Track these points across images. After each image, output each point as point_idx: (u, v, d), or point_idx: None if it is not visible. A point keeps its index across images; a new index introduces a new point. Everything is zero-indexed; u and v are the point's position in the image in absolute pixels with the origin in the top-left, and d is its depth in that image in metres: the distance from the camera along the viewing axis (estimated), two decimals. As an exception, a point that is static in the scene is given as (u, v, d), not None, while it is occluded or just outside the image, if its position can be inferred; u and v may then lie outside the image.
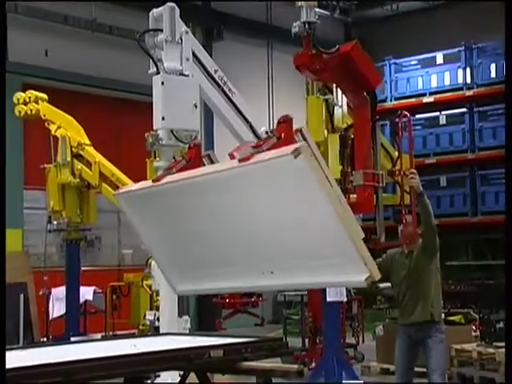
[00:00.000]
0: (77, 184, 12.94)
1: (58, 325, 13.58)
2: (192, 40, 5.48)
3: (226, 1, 18.71)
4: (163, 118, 5.06)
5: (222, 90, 5.65)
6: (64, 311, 13.56)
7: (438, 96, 16.81)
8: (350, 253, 3.95)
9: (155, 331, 9.04)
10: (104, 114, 16.97)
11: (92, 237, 14.20)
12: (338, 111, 9.85)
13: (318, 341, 11.26)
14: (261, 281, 4.58)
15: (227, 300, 16.25)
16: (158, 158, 6.00)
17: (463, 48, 16.58)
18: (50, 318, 13.68)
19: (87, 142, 13.07)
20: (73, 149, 12.91)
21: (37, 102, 12.95)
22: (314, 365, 10.76)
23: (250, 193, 4.24)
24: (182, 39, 5.34)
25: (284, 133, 4.28)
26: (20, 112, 12.97)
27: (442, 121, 16.89)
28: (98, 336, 12.57)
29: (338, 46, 6.86)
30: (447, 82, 16.79)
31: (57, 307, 13.64)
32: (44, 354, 4.99)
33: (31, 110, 12.91)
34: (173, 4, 5.44)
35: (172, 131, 5.09)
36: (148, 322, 10.07)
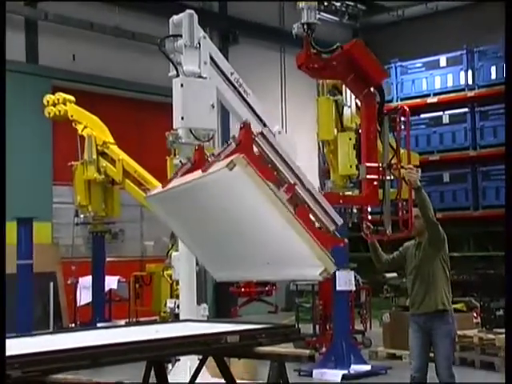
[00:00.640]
0: (102, 180, 12.99)
1: (85, 311, 13.64)
2: (209, 44, 5.47)
3: (240, 0, 18.66)
4: (182, 118, 5.06)
5: (238, 91, 5.63)
6: (90, 299, 13.62)
7: (441, 97, 16.74)
8: (304, 251, 4.18)
9: (175, 318, 9.05)
10: (127, 114, 16.99)
11: (116, 229, 14.23)
12: (347, 111, 9.81)
13: (328, 327, 11.24)
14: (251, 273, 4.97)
15: (243, 289, 16.27)
16: (177, 156, 6.00)
17: (465, 51, 16.50)
18: (78, 305, 13.74)
19: (111, 140, 13.10)
20: (98, 147, 12.95)
21: (65, 104, 12.99)
22: (324, 350, 10.74)
23: (216, 199, 4.42)
24: (200, 44, 5.33)
25: (243, 138, 4.42)
26: (49, 113, 13.02)
27: (445, 120, 16.82)
28: (122, 322, 12.63)
29: (338, 45, 6.78)
30: (450, 83, 16.71)
31: (84, 295, 13.70)
32: (72, 338, 5.00)
33: (60, 111, 12.96)
34: (191, 11, 5.43)
35: (191, 130, 5.09)
36: (168, 310, 10.08)
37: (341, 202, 6.02)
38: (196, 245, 5.24)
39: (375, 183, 7.15)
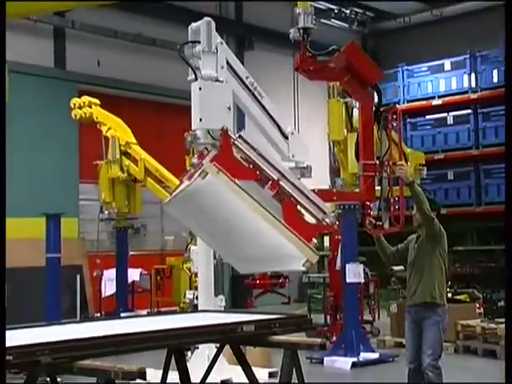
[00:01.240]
0: (125, 178, 13.03)
1: (109, 302, 13.69)
2: (226, 50, 5.44)
3: (256, 0, 18.63)
4: (200, 120, 5.04)
5: (253, 94, 5.60)
6: (114, 290, 13.67)
7: (445, 99, 16.67)
8: (286, 246, 4.40)
9: (194, 308, 9.07)
10: (148, 116, 17.02)
11: (138, 225, 14.26)
12: (356, 113, 9.78)
13: (338, 317, 11.22)
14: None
15: (258, 281, 16.26)
16: (195, 155, 6.00)
17: (468, 56, 16.43)
18: (103, 296, 13.79)
19: (134, 141, 13.13)
20: (121, 147, 12.99)
21: (90, 107, 13.04)
22: (334, 338, 10.72)
23: (207, 203, 4.51)
24: (217, 49, 5.30)
25: (222, 144, 4.52)
26: (76, 115, 13.07)
27: (450, 121, 16.75)
28: (144, 312, 12.67)
29: (333, 47, 6.72)
30: (454, 86, 16.64)
31: (108, 287, 13.76)
32: (97, 327, 5.02)
33: (85, 114, 13.01)
34: (209, 18, 5.41)
35: (208, 131, 5.07)
36: (188, 301, 10.11)
37: (334, 198, 5.94)
38: (215, 242, 5.27)
39: (370, 180, 7.04)
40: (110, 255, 13.99)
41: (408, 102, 17.31)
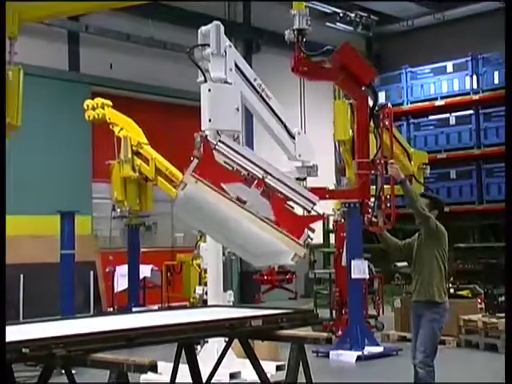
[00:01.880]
0: (136, 177, 13.03)
1: (121, 297, 13.71)
2: (234, 53, 5.45)
3: None
4: (210, 120, 5.05)
5: (260, 95, 5.60)
6: (126, 286, 13.68)
7: (448, 100, 16.64)
8: (274, 243, 4.57)
9: (203, 303, 9.07)
10: (159, 117, 17.03)
11: (149, 222, 14.27)
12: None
13: (343, 312, 11.20)
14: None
15: (265, 277, 16.27)
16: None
17: (470, 58, 16.38)
18: (115, 291, 13.81)
19: (145, 141, 13.13)
20: (133, 147, 12.99)
21: (103, 108, 13.05)
22: (340, 333, 10.71)
23: (201, 206, 4.62)
24: (226, 52, 5.31)
25: (203, 151, 4.59)
26: (89, 116, 13.08)
27: (452, 121, 16.72)
28: (155, 307, 12.69)
29: (328, 48, 6.71)
30: (456, 87, 16.60)
31: (120, 282, 13.77)
32: (110, 321, 5.03)
33: (98, 115, 13.01)
34: (218, 22, 5.41)
35: (217, 131, 5.07)
36: (197, 296, 10.11)
37: (327, 196, 5.91)
38: (225, 240, 5.30)
39: (364, 178, 6.99)
40: (122, 252, 14.00)
41: (411, 102, 17.28)
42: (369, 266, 10.40)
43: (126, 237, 14.09)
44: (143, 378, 7.38)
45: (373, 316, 12.06)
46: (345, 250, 10.57)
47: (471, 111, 16.39)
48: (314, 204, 4.88)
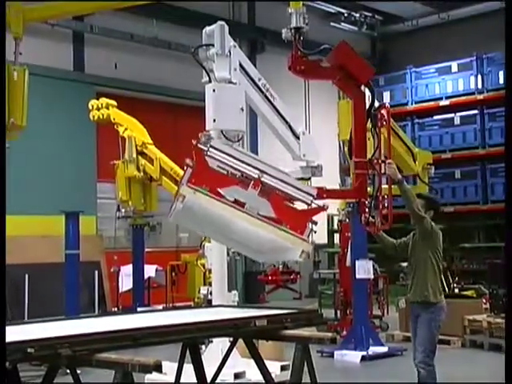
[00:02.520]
0: (141, 177, 13.04)
1: (126, 297, 13.72)
2: (239, 53, 5.44)
3: None
4: (214, 120, 5.05)
5: (265, 95, 5.60)
6: (131, 286, 13.69)
7: (452, 100, 16.61)
8: (281, 242, 4.66)
9: (208, 303, 9.07)
10: (163, 117, 17.05)
11: (154, 222, 14.27)
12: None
13: (348, 312, 11.20)
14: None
15: (270, 277, 16.26)
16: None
17: (475, 58, 16.36)
18: (120, 291, 13.82)
19: (150, 141, 13.14)
20: (138, 147, 13.00)
21: (107, 108, 13.06)
22: (345, 333, 10.70)
23: (201, 213, 4.64)
24: (230, 52, 5.30)
25: (196, 160, 4.57)
26: (94, 117, 13.09)
27: (457, 121, 16.69)
28: (160, 307, 12.70)
29: (324, 46, 6.69)
30: (461, 87, 16.57)
31: (125, 282, 13.79)
32: (115, 321, 5.03)
33: (103, 115, 13.02)
34: (223, 22, 5.41)
35: (222, 131, 5.07)
36: (202, 296, 10.12)
37: (324, 196, 5.88)
38: (230, 242, 5.32)
39: (362, 178, 6.97)
40: (126, 252, 14.02)
41: (416, 102, 17.26)
42: (373, 266, 10.40)
43: (131, 237, 14.11)
44: (148, 378, 7.39)
45: (377, 316, 12.05)
46: (349, 250, 10.57)
47: (476, 111, 16.36)
48: (313, 196, 4.91)
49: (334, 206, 11.89)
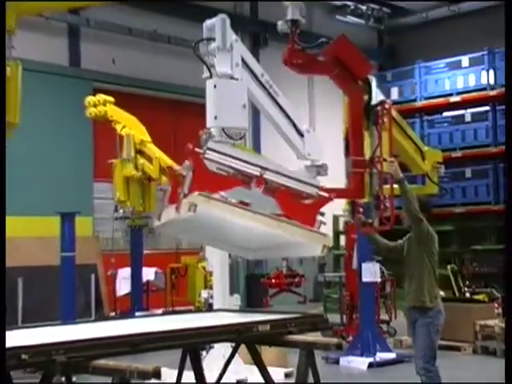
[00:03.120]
0: (139, 177, 13.06)
1: (124, 301, 13.74)
2: (241, 47, 5.44)
3: (271, 0, 18.62)
4: (215, 117, 5.04)
5: (268, 91, 5.59)
6: (129, 289, 13.71)
7: (463, 96, 16.56)
8: (303, 241, 4.68)
9: (209, 308, 9.08)
10: (163, 114, 17.07)
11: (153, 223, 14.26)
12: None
13: (354, 317, 11.20)
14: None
15: (273, 280, 16.27)
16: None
17: (486, 52, 16.31)
18: (117, 295, 13.84)
19: (149, 139, 13.16)
20: (136, 146, 13.02)
21: (105, 105, 13.07)
22: (351, 338, 10.70)
23: (208, 221, 4.68)
24: (232, 47, 5.30)
25: (194, 164, 4.48)
26: (90, 114, 13.11)
27: (468, 118, 16.65)
28: (159, 311, 12.69)
29: (322, 40, 6.66)
30: (472, 83, 16.53)
31: (123, 286, 13.80)
32: (112, 326, 5.04)
33: (100, 112, 13.04)
34: (224, 15, 5.40)
35: (223, 129, 5.07)
36: (203, 300, 10.12)
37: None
38: (217, 244, 5.37)
39: (359, 176, 6.96)
40: (124, 254, 14.03)
41: (425, 99, 17.23)
42: (380, 269, 10.40)
43: (129, 238, 14.12)
44: (147, 385, 7.39)
45: (385, 321, 12.05)
46: (355, 252, 10.56)
47: (488, 107, 16.32)
48: (318, 187, 4.93)
49: (340, 206, 11.89)
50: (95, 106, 13.09)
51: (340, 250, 16.26)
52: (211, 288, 9.27)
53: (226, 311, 6.32)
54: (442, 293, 12.23)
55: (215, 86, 5.09)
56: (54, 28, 15.25)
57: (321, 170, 5.69)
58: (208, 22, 5.43)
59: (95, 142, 15.75)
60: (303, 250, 4.93)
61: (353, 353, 9.72)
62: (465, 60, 16.72)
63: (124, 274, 13.84)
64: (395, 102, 15.58)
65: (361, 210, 7.07)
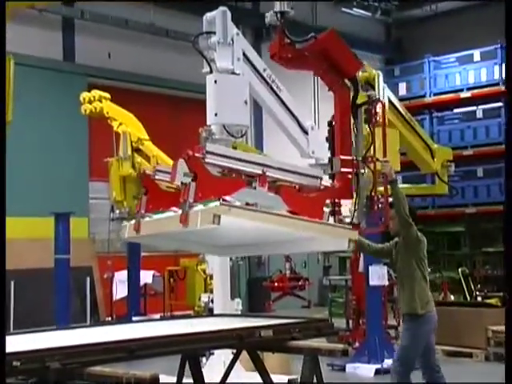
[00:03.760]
0: (136, 176, 13.06)
1: (120, 305, 13.75)
2: (242, 41, 5.45)
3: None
4: (216, 114, 5.05)
5: (271, 87, 5.61)
6: (126, 293, 13.72)
7: (475, 91, 16.55)
8: (330, 237, 4.83)
9: (209, 312, 9.09)
10: (161, 110, 17.08)
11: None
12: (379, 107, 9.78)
13: (361, 322, 11.18)
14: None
15: (276, 283, 16.26)
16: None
17: (499, 45, 16.30)
18: (114, 299, 13.85)
19: (146, 137, 13.16)
20: (133, 144, 13.02)
21: (100, 101, 13.07)
22: (357, 344, 10.69)
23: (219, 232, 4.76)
24: (233, 40, 5.32)
25: (195, 170, 4.42)
26: (85, 110, 13.11)
27: (479, 115, 16.64)
28: (157, 316, 12.71)
29: (312, 34, 6.67)
30: (484, 77, 16.52)
31: (120, 289, 13.81)
32: (108, 331, 5.05)
33: (95, 109, 13.04)
34: (225, 8, 5.42)
35: (224, 126, 5.08)
36: (203, 304, 10.14)
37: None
38: (188, 245, 5.48)
39: (347, 176, 6.97)
40: (121, 256, 14.04)
41: (435, 94, 17.22)
42: (388, 272, 10.39)
43: (126, 240, 14.12)
44: (144, 392, 7.40)
45: (393, 326, 12.03)
46: (362, 254, 10.56)
47: (500, 103, 16.32)
48: (321, 178, 4.96)
49: (346, 207, 11.88)
50: (90, 102, 13.09)
51: (346, 252, 16.25)
52: (211, 292, 9.27)
53: (227, 316, 6.33)
54: (452, 297, 12.25)
55: (216, 82, 5.11)
56: (47, 21, 15.27)
57: (325, 168, 5.71)
58: (208, 15, 5.44)
59: (91, 139, 15.77)
60: (329, 244, 5.05)
61: (359, 359, 9.72)
62: (476, 54, 16.71)
63: (120, 277, 13.85)
64: (403, 98, 15.59)
65: (341, 210, 7.10)
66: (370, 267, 9.79)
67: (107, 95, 13.22)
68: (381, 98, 9.76)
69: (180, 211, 4.40)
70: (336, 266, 17.59)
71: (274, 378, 5.45)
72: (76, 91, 13.71)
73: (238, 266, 10.72)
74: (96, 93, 13.21)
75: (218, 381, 5.56)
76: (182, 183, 4.50)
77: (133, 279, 13.65)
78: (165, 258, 16.26)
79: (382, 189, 7.57)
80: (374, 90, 9.88)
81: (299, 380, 4.86)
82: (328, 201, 5.00)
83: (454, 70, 17.06)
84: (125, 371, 3.78)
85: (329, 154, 6.63)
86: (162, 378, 4.04)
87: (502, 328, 10.35)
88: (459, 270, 14.03)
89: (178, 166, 4.58)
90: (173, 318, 9.82)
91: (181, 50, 16.00)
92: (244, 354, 5.26)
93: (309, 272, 17.63)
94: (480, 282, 14.72)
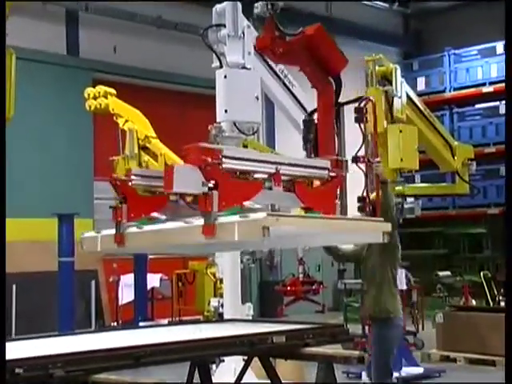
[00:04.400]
0: (144, 175, 13.08)
1: (127, 310, 13.78)
2: (254, 34, 5.46)
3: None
4: (226, 111, 5.05)
5: (283, 82, 5.62)
6: (132, 297, 13.75)
7: (497, 86, 16.49)
8: (365, 233, 5.06)
9: (219, 317, 9.09)
10: (169, 107, 17.10)
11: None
12: (397, 102, 9.74)
13: (378, 328, 11.17)
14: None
15: (288, 287, 16.25)
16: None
17: (523, 37, 16.24)
18: (120, 303, 13.88)
19: (153, 134, 13.16)
20: (140, 141, 13.01)
21: (106, 97, 13.07)
22: (374, 351, 10.67)
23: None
24: (244, 34, 5.32)
25: (216, 178, 4.31)
26: (90, 106, 13.12)
27: (502, 110, 16.57)
28: (165, 321, 12.75)
29: (300, 30, 6.68)
30: (507, 71, 16.47)
31: (126, 293, 13.84)
32: (114, 338, 5.06)
33: (100, 105, 13.04)
34: (235, -1, 5.43)
35: (234, 123, 5.08)
36: (212, 309, 10.13)
37: None
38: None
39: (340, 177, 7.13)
40: (127, 259, 14.07)
41: (455, 89, 17.20)
42: (406, 276, 10.37)
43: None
44: (151, 401, 7.42)
45: (411, 332, 12.01)
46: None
47: (524, 98, 16.27)
48: (329, 169, 4.99)
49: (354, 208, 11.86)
50: (95, 98, 13.09)
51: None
52: (221, 296, 9.27)
53: (238, 321, 6.33)
54: (473, 301, 12.19)
55: (226, 77, 5.11)
56: (51, 14, 15.32)
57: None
58: (218, 7, 5.45)
59: (95, 137, 15.81)
60: (364, 237, 5.24)
61: (376, 367, 9.70)
62: (499, 46, 16.64)
63: (127, 281, 13.88)
64: (422, 94, 15.55)
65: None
66: (387, 270, 9.77)
67: (113, 91, 13.22)
68: (398, 94, 9.73)
69: (195, 221, 4.34)
70: (351, 270, 17.56)
71: (287, 386, 5.44)
72: (80, 87, 13.72)
73: (249, 269, 10.71)
74: (101, 88, 13.21)
75: (229, 389, 5.56)
76: (203, 193, 4.35)
77: (139, 283, 13.67)
78: (173, 260, 16.27)
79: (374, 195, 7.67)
80: (391, 85, 9.86)
81: (313, 388, 4.86)
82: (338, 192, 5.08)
83: (475, 63, 17.02)
84: (131, 379, 3.79)
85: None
86: (170, 386, 4.04)
87: (527, 334, 10.32)
88: (481, 273, 13.98)
89: (174, 173, 4.33)
90: (181, 323, 9.84)
91: (189, 43, 16.00)
92: (255, 361, 5.26)
93: (323, 275, 17.61)
94: (503, 286, 14.67)
